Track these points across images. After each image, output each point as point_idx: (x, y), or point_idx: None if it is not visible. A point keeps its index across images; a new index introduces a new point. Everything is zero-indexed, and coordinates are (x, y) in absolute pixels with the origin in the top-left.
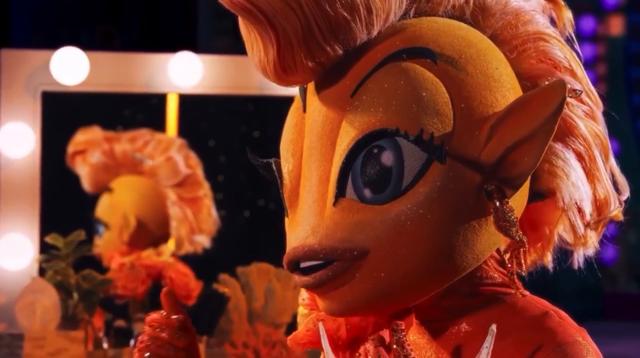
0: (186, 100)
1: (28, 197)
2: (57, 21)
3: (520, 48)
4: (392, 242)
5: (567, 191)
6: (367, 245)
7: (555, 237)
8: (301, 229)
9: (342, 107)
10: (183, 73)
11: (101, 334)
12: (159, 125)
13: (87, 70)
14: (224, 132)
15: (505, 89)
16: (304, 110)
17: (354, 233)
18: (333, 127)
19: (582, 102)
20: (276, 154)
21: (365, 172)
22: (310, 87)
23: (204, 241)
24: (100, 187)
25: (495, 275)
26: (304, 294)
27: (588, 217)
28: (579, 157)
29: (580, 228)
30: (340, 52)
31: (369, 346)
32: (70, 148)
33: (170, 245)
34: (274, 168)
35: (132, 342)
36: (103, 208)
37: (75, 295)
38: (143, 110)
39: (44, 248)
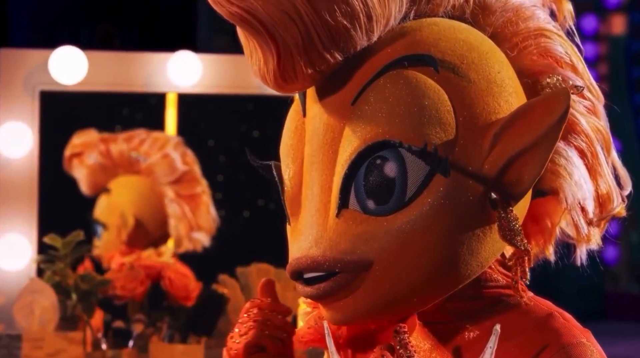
0: (185, 100)
1: (26, 197)
2: (56, 21)
3: (521, 45)
4: (396, 254)
5: (570, 191)
6: (371, 257)
7: (557, 231)
8: (304, 239)
9: (343, 114)
10: (182, 72)
11: (100, 335)
12: (158, 124)
13: (86, 70)
14: (224, 131)
15: (508, 94)
16: (304, 115)
17: (358, 245)
18: (334, 135)
19: (583, 97)
20: (276, 153)
21: (368, 183)
22: (310, 91)
23: (203, 239)
24: (98, 188)
25: (499, 278)
26: None
27: (591, 215)
28: (581, 154)
29: (584, 228)
30: (340, 59)
31: (376, 351)
32: (67, 152)
33: (170, 246)
34: (274, 171)
35: (130, 342)
36: (101, 209)
37: (74, 296)
38: (142, 109)
39: (43, 248)
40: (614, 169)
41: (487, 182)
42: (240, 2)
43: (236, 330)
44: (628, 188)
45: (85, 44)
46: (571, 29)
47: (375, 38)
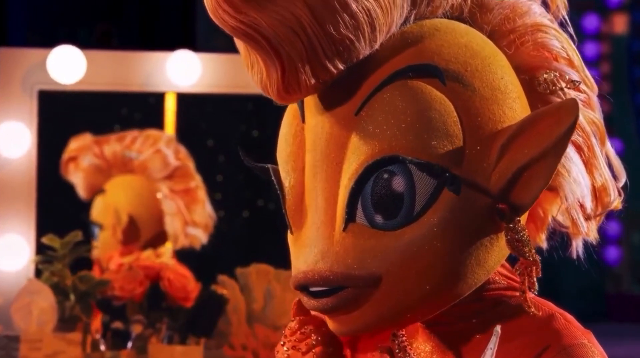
0: (184, 99)
1: (24, 197)
2: (55, 20)
3: (518, 41)
4: (405, 268)
5: (569, 189)
6: (379, 272)
7: (550, 220)
8: (309, 252)
9: (347, 125)
10: (181, 72)
11: (98, 336)
12: (157, 124)
13: (84, 69)
14: (223, 131)
15: (512, 100)
16: (303, 120)
17: (366, 260)
18: (338, 146)
19: (579, 91)
20: (276, 153)
21: (375, 197)
22: (310, 97)
23: (199, 235)
24: (94, 191)
25: (500, 279)
26: None
27: (589, 211)
28: (578, 148)
29: (583, 225)
30: (343, 68)
31: (376, 355)
32: (64, 157)
33: (169, 246)
34: (273, 176)
35: (129, 343)
36: (97, 210)
37: (72, 297)
38: (141, 109)
39: (41, 249)
40: (608, 159)
41: (495, 194)
42: (243, 16)
43: (284, 348)
44: (623, 179)
45: (83, 43)
46: (564, 19)
47: (377, 46)
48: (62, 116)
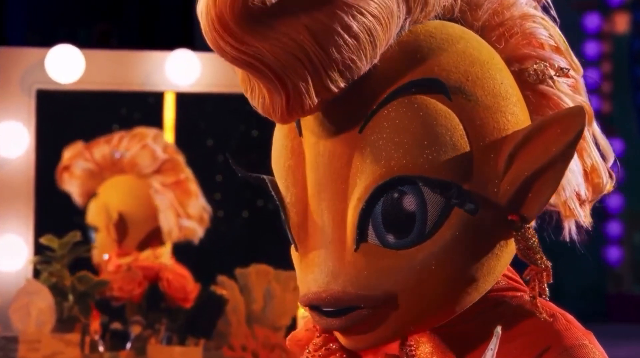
0: (184, 99)
1: (22, 198)
2: (54, 19)
3: (507, 34)
4: (419, 285)
5: (566, 180)
6: (394, 291)
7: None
8: (319, 272)
9: (351, 143)
10: (180, 71)
11: (97, 337)
12: (156, 124)
13: (83, 69)
14: (223, 131)
15: (513, 105)
16: (300, 134)
17: (380, 280)
18: (342, 164)
19: (567, 76)
20: None
21: (387, 217)
22: None
23: (194, 227)
24: (89, 196)
25: (501, 279)
26: None
27: (584, 196)
28: None
29: (580, 214)
30: (344, 87)
31: None
32: (59, 168)
33: (168, 247)
34: (271, 189)
35: (128, 344)
36: (91, 213)
37: (71, 297)
38: (140, 109)
39: (39, 249)
40: (595, 139)
41: (505, 205)
42: (245, 46)
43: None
44: (611, 160)
45: (83, 43)
46: (547, 2)
47: (376, 61)
48: (61, 116)
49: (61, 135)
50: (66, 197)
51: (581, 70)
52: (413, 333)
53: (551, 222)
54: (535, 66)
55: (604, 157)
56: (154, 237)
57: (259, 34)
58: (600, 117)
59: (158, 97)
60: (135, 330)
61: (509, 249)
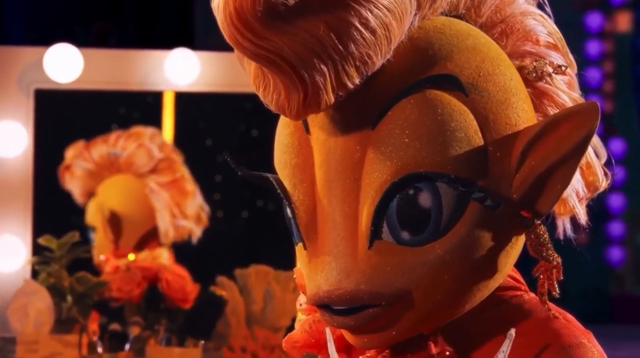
0: (183, 98)
1: (21, 197)
2: (53, 18)
3: (509, 31)
4: (434, 282)
5: None
6: (408, 288)
7: None
8: (330, 270)
9: (363, 139)
10: (180, 70)
11: (95, 338)
12: (155, 123)
13: (81, 68)
14: (222, 130)
15: (522, 101)
16: (307, 131)
17: (395, 277)
18: (355, 161)
19: (564, 74)
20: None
21: (401, 214)
22: None
23: (191, 227)
24: (89, 196)
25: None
26: (301, 299)
27: (582, 194)
28: None
29: (580, 212)
30: (359, 82)
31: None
32: (61, 167)
33: (166, 248)
34: (277, 187)
35: (127, 345)
36: (89, 214)
37: (69, 298)
38: (139, 108)
39: (37, 250)
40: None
41: (518, 201)
42: (264, 42)
43: None
44: (604, 158)
45: (81, 42)
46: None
47: (390, 56)
48: (59, 115)
49: (60, 134)
50: (65, 197)
51: (574, 64)
52: (422, 331)
53: (547, 221)
54: (535, 63)
55: (597, 156)
56: (151, 238)
57: (278, 29)
58: (602, 117)
59: (157, 96)
60: (134, 331)
61: (517, 246)
